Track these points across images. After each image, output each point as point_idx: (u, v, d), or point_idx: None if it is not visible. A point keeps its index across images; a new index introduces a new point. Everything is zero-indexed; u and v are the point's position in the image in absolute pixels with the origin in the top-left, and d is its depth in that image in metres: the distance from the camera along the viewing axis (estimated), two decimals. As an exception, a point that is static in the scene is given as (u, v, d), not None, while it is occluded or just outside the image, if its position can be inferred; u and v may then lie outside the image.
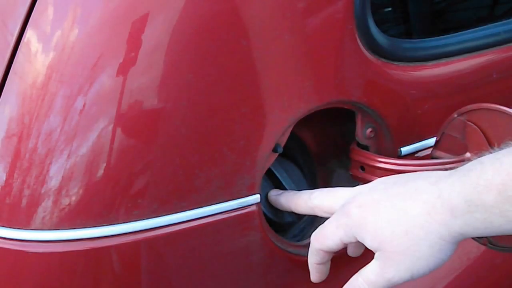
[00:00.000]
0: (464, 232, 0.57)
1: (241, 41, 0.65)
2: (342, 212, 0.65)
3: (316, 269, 0.70)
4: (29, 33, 0.64)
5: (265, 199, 0.75)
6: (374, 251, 0.63)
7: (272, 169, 0.76)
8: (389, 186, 0.64)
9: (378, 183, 0.66)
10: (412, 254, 0.59)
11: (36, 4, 0.64)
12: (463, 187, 0.56)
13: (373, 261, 0.63)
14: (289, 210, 0.74)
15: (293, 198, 0.74)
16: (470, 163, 0.58)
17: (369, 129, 0.77)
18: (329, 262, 0.70)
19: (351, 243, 0.65)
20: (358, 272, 0.65)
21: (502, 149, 0.57)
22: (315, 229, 0.79)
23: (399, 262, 0.60)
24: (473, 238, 0.67)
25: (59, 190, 0.62)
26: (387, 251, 0.61)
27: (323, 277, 0.71)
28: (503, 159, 0.55)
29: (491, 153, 0.57)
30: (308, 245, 0.77)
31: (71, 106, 0.61)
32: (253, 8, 0.65)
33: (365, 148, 0.79)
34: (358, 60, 0.73)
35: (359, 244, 0.64)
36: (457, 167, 0.59)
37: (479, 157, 0.58)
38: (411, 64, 0.78)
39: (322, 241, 0.67)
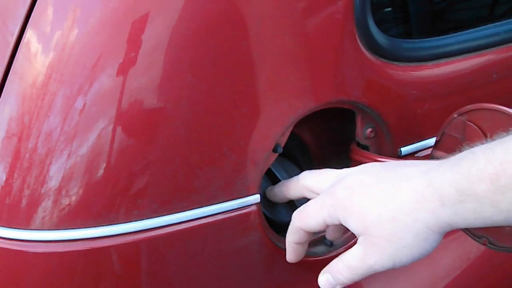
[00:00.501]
0: (452, 222, 0.56)
1: (241, 41, 0.65)
2: (328, 192, 0.64)
3: (293, 249, 0.69)
4: (29, 33, 0.64)
5: (265, 199, 0.75)
6: (357, 235, 0.62)
7: (272, 169, 0.76)
8: (379, 171, 0.63)
9: (368, 167, 0.66)
10: (396, 241, 0.59)
11: (36, 4, 0.64)
12: (454, 176, 0.55)
13: (355, 246, 0.62)
14: (283, 197, 0.74)
15: (285, 183, 0.74)
16: (462, 153, 0.57)
17: (369, 129, 0.77)
18: (307, 244, 0.69)
19: (332, 225, 0.64)
20: (339, 256, 0.64)
21: (494, 140, 0.56)
22: None
23: (383, 248, 0.59)
24: (473, 238, 0.67)
25: (59, 190, 0.62)
26: (372, 235, 0.60)
27: (299, 258, 0.70)
28: (495, 148, 0.54)
29: (483, 144, 0.56)
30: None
31: (71, 106, 0.61)
32: (253, 8, 0.65)
33: (365, 148, 0.79)
34: (358, 60, 0.73)
35: (339, 227, 0.63)
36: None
37: (470, 148, 0.57)
38: (411, 64, 0.78)
39: (304, 219, 0.66)
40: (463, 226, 0.57)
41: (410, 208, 0.58)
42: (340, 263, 0.63)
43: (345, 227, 0.63)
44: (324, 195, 0.65)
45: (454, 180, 0.55)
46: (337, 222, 0.63)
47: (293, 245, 0.69)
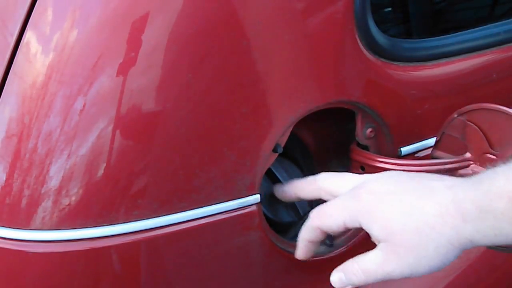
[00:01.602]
0: (473, 239, 0.57)
1: (241, 41, 0.65)
2: (351, 195, 0.65)
3: (306, 246, 0.69)
4: (29, 34, 0.64)
5: (265, 199, 0.75)
6: (378, 241, 0.62)
7: (272, 169, 0.76)
8: (405, 181, 0.64)
9: (390, 175, 0.66)
10: (418, 252, 0.59)
11: (36, 5, 0.64)
12: (475, 193, 0.57)
13: (374, 250, 0.62)
14: (294, 197, 0.74)
15: (298, 183, 0.73)
16: (486, 172, 0.59)
17: (369, 129, 0.77)
18: (319, 243, 0.70)
19: (352, 228, 0.65)
20: (355, 258, 0.64)
21: None
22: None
23: (403, 257, 0.60)
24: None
25: (59, 190, 0.62)
26: (394, 244, 0.60)
27: (309, 256, 0.70)
28: None
29: (504, 163, 0.58)
30: (296, 248, 0.77)
31: (71, 106, 0.61)
32: (253, 8, 0.65)
33: (365, 148, 0.79)
34: (358, 60, 0.73)
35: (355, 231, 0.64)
36: (457, 167, 0.59)
37: (494, 167, 0.58)
38: (411, 64, 0.78)
39: (324, 219, 0.66)
40: (484, 243, 0.58)
41: (434, 221, 0.58)
42: (356, 265, 0.63)
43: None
44: (347, 197, 0.65)
45: (475, 197, 0.57)
46: (357, 226, 0.63)
47: (306, 243, 0.69)
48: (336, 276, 0.65)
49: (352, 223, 0.63)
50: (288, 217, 0.78)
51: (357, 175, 0.69)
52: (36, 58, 0.63)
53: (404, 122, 0.79)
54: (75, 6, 0.63)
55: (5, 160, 0.63)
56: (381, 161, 0.76)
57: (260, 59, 0.66)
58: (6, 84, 0.64)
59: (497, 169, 0.57)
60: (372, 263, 0.62)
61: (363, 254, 0.63)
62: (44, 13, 0.64)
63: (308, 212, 0.70)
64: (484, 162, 0.70)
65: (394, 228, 0.60)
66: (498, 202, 0.55)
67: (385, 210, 0.61)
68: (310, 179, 0.72)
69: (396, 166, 0.75)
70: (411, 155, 0.81)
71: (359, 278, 0.63)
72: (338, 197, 0.66)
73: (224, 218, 0.68)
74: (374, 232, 0.62)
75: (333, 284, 0.66)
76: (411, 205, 0.60)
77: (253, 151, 0.68)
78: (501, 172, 0.56)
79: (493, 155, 0.69)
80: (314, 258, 0.76)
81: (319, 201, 0.69)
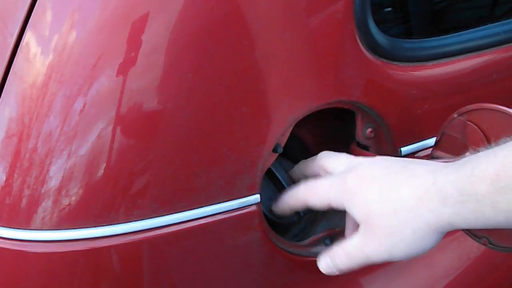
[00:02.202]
0: (453, 222, 0.57)
1: (241, 41, 0.65)
2: (339, 177, 0.66)
3: (283, 208, 0.72)
4: (29, 34, 0.64)
5: (265, 199, 0.75)
6: (359, 223, 0.63)
7: (272, 169, 0.76)
8: (390, 165, 0.65)
9: (381, 160, 0.67)
10: (394, 234, 0.60)
11: (36, 5, 0.64)
12: (457, 177, 0.57)
13: (356, 234, 0.63)
14: (300, 175, 0.75)
15: (304, 162, 0.75)
16: (468, 156, 0.59)
17: (369, 129, 0.77)
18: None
19: (337, 209, 0.66)
20: (341, 243, 0.65)
21: (499, 145, 0.57)
22: (316, 229, 0.79)
23: (381, 239, 0.61)
24: (473, 238, 0.67)
25: (59, 190, 0.62)
26: (372, 225, 0.61)
27: (281, 215, 0.73)
28: (497, 152, 0.55)
29: (488, 149, 0.58)
30: (308, 245, 0.77)
31: (71, 106, 0.61)
32: (253, 8, 0.65)
33: (365, 148, 0.79)
34: (358, 60, 0.73)
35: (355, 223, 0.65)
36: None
37: (476, 152, 0.58)
38: (411, 64, 0.78)
39: (311, 195, 0.68)
40: (464, 226, 0.58)
41: (412, 204, 0.59)
42: (340, 249, 0.65)
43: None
44: (335, 178, 0.67)
45: (457, 180, 0.56)
46: (341, 208, 0.65)
47: (286, 206, 0.71)
48: (323, 261, 0.67)
49: (336, 204, 0.65)
50: (288, 217, 0.78)
51: (353, 157, 0.70)
52: (36, 58, 0.63)
53: (404, 122, 0.79)
54: (75, 6, 0.63)
55: (5, 160, 0.63)
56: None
57: (260, 59, 0.66)
58: (6, 84, 0.64)
59: (480, 154, 0.57)
60: (353, 246, 0.63)
61: (347, 238, 0.65)
62: (44, 13, 0.64)
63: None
64: (484, 162, 0.70)
65: (373, 211, 0.61)
66: (480, 185, 0.55)
67: (366, 193, 0.62)
68: (313, 157, 0.74)
69: (396, 166, 0.75)
70: (411, 155, 0.81)
71: (343, 262, 0.64)
72: (328, 177, 0.68)
73: (224, 218, 0.68)
74: (355, 214, 0.63)
75: (320, 269, 0.68)
76: (390, 189, 0.61)
77: (253, 151, 0.68)
78: (484, 156, 0.56)
79: (493, 155, 0.69)
80: (314, 258, 0.76)
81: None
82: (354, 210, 0.63)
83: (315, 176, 0.72)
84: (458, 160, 0.59)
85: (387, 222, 0.60)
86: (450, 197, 0.56)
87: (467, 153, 0.71)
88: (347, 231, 0.72)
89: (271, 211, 0.76)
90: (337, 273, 0.66)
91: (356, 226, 0.67)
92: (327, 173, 0.71)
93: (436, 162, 0.63)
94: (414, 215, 0.59)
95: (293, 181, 0.77)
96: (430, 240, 0.59)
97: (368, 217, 0.62)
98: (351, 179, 0.65)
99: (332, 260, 0.66)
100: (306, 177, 0.75)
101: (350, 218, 0.71)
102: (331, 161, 0.71)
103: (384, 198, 0.61)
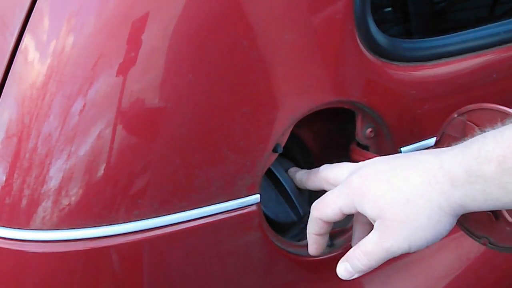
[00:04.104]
0: (463, 203, 0.57)
1: (241, 41, 0.65)
2: (344, 182, 0.66)
3: (314, 240, 0.70)
4: (28, 34, 0.64)
5: (265, 199, 0.75)
6: (373, 220, 0.62)
7: (272, 169, 0.76)
8: (393, 159, 0.65)
9: (382, 158, 0.67)
10: (411, 223, 0.59)
11: (36, 5, 0.64)
12: (464, 158, 0.57)
13: (372, 231, 0.63)
14: (301, 186, 0.76)
15: (306, 173, 0.75)
16: (474, 137, 0.58)
17: (369, 129, 0.77)
18: (328, 235, 0.70)
19: (349, 213, 0.65)
20: (357, 244, 0.64)
21: (505, 125, 0.57)
22: None
23: (398, 231, 0.60)
24: (473, 238, 0.67)
25: (59, 190, 0.62)
26: (387, 219, 0.61)
27: (320, 250, 0.71)
28: (505, 132, 0.55)
29: (494, 129, 0.58)
30: (308, 245, 0.77)
31: (71, 106, 0.61)
32: (253, 8, 0.65)
33: (365, 148, 0.79)
34: (358, 60, 0.73)
35: (364, 226, 0.65)
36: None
37: (483, 132, 0.58)
38: (411, 64, 0.78)
39: (322, 209, 0.67)
40: (474, 208, 0.58)
41: (423, 190, 0.59)
42: (358, 250, 0.64)
43: (368, 225, 0.65)
44: (341, 185, 0.66)
45: (464, 161, 0.56)
46: (353, 211, 0.64)
47: (313, 236, 0.70)
48: (342, 267, 0.66)
49: (348, 209, 0.64)
50: (288, 217, 0.78)
51: (353, 163, 0.70)
52: (36, 58, 0.63)
53: (404, 122, 0.79)
54: (75, 7, 0.63)
55: (5, 160, 0.63)
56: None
57: (260, 59, 0.66)
58: (6, 85, 0.64)
59: (486, 134, 0.57)
60: (371, 243, 0.62)
61: (363, 238, 0.64)
62: (44, 14, 0.64)
63: (308, 212, 0.70)
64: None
65: (385, 204, 0.61)
66: (487, 165, 0.54)
67: (375, 188, 0.62)
68: (315, 170, 0.74)
69: (396, 166, 0.75)
70: (411, 155, 0.81)
71: (363, 262, 0.63)
72: (334, 188, 0.67)
73: (224, 218, 0.68)
74: (368, 211, 0.62)
75: (340, 276, 0.66)
76: (398, 179, 0.61)
77: (253, 151, 0.68)
78: (490, 136, 0.56)
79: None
80: (314, 258, 0.76)
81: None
82: (366, 207, 0.62)
83: (318, 189, 0.72)
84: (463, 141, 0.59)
85: (402, 212, 0.60)
86: (458, 179, 0.56)
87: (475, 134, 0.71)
88: (354, 241, 0.72)
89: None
90: (356, 275, 0.65)
91: (364, 233, 0.67)
92: (330, 184, 0.70)
93: (440, 148, 0.62)
94: (426, 200, 0.58)
95: (293, 181, 0.77)
96: (446, 223, 0.59)
97: (381, 211, 0.61)
98: (356, 180, 0.64)
99: (352, 263, 0.64)
100: (305, 188, 0.76)
101: (357, 225, 0.71)
102: (332, 171, 0.71)
103: (394, 189, 0.61)
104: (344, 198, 0.64)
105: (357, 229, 0.71)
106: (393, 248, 0.61)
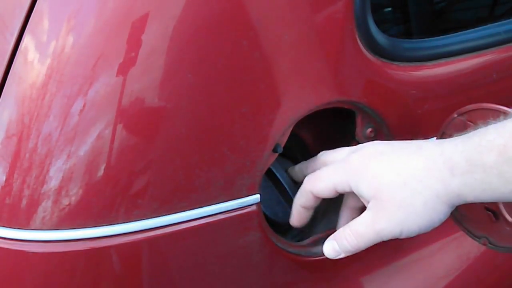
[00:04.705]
0: (461, 193, 0.57)
1: (241, 41, 0.65)
2: (342, 160, 0.66)
3: (298, 212, 0.70)
4: (28, 34, 0.64)
5: (265, 199, 0.75)
6: (367, 200, 0.62)
7: (272, 169, 0.76)
8: (394, 143, 0.65)
9: (383, 141, 0.67)
10: (406, 207, 0.59)
11: (36, 5, 0.64)
12: (465, 147, 0.57)
13: (364, 212, 0.62)
14: (302, 176, 0.74)
15: (305, 162, 0.75)
16: (477, 129, 0.59)
17: (369, 129, 0.77)
18: (313, 210, 0.70)
19: (343, 192, 0.65)
20: (347, 224, 0.64)
21: (507, 118, 0.58)
22: (316, 229, 0.79)
23: (392, 213, 0.60)
24: (473, 238, 0.67)
25: (59, 190, 0.62)
26: (382, 200, 0.60)
27: (303, 223, 0.71)
28: (506, 123, 0.56)
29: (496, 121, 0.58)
30: (308, 245, 0.77)
31: (71, 106, 0.61)
32: (253, 8, 0.65)
33: (365, 148, 0.79)
34: (358, 60, 0.73)
35: (353, 210, 0.65)
36: None
37: (485, 125, 0.58)
38: (411, 64, 0.78)
39: (315, 183, 0.67)
40: (471, 198, 0.58)
41: (422, 175, 0.59)
42: (348, 230, 0.63)
43: (356, 211, 0.64)
44: (339, 162, 0.66)
45: (465, 150, 0.57)
46: (347, 189, 0.64)
47: (299, 208, 0.70)
48: (329, 245, 0.65)
49: (342, 186, 0.64)
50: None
51: (352, 147, 0.70)
52: (36, 58, 0.63)
53: (404, 122, 0.79)
54: (75, 7, 0.63)
55: (5, 160, 0.63)
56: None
57: (260, 59, 0.66)
58: (6, 85, 0.64)
59: (489, 126, 0.57)
60: (362, 224, 0.62)
61: (355, 219, 0.63)
62: (44, 14, 0.64)
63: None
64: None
65: (382, 184, 0.60)
66: (487, 155, 0.55)
67: (373, 168, 0.62)
68: (314, 157, 0.74)
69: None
70: (411, 155, 0.81)
71: (351, 243, 0.63)
72: (331, 164, 0.67)
73: (224, 218, 0.68)
74: (363, 191, 0.62)
75: (326, 254, 0.66)
76: (398, 161, 0.61)
77: (253, 151, 0.68)
78: (492, 127, 0.57)
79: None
80: (314, 258, 0.76)
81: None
82: (363, 186, 0.62)
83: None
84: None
85: (398, 194, 0.59)
86: (458, 167, 0.57)
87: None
88: (339, 226, 0.71)
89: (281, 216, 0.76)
90: (343, 255, 0.64)
91: (350, 219, 0.66)
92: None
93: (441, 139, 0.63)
94: (424, 186, 0.58)
95: (293, 181, 0.77)
96: (440, 212, 0.59)
97: (377, 192, 0.61)
98: (355, 158, 0.64)
99: (339, 242, 0.64)
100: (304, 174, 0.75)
101: (345, 210, 0.71)
102: (331, 154, 0.71)
103: (392, 171, 0.60)
104: (340, 175, 0.64)
105: (344, 214, 0.71)
106: (385, 231, 0.60)
